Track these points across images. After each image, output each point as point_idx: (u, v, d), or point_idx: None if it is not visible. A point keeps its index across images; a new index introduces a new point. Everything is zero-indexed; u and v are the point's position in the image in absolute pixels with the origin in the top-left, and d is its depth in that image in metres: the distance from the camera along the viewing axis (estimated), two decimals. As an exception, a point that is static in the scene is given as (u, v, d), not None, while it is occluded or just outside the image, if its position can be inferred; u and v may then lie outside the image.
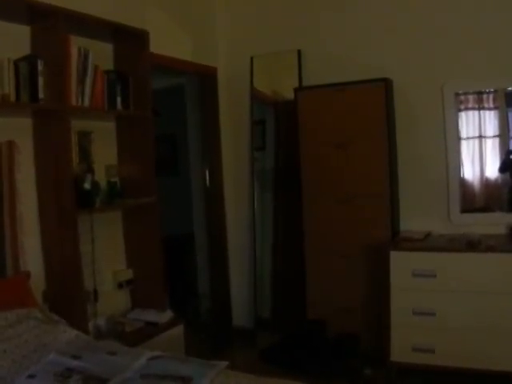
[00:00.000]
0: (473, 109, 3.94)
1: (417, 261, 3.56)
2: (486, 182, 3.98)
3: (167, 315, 3.49)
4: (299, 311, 4.20)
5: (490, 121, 3.90)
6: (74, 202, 2.96)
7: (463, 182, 4.00)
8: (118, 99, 3.34)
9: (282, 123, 4.57)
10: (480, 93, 3.89)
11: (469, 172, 3.99)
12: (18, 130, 2.96)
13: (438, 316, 3.48)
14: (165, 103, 4.81)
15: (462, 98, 3.95)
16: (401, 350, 3.58)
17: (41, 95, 2.82)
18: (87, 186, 3.10)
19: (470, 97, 3.94)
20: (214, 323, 4.72)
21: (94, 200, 3.15)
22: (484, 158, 3.95)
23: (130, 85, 3.42)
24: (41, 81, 2.82)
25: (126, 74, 3.42)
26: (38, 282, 2.98)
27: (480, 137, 3.94)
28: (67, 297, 2.99)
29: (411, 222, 4.06)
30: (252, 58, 4.56)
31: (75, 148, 3.22)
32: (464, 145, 3.97)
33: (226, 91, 4.72)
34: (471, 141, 3.98)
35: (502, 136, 3.87)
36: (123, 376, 2.13)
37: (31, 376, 2.12)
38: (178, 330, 3.48)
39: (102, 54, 3.41)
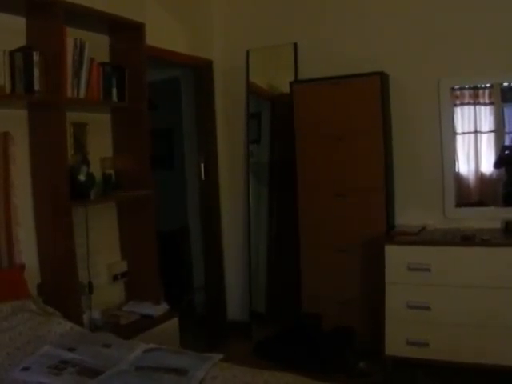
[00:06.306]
0: (468, 104, 3.95)
1: (412, 255, 3.57)
2: (481, 177, 3.99)
3: (162, 308, 3.49)
4: (294, 305, 4.20)
5: (485, 116, 3.91)
6: (68, 194, 2.94)
7: (458, 177, 4.01)
8: (114, 91, 3.32)
9: (277, 117, 4.57)
10: (476, 88, 3.90)
11: (464, 167, 4.00)
12: (13, 122, 2.94)
13: (433, 310, 3.50)
14: (160, 96, 4.80)
15: (458, 92, 3.96)
16: (395, 344, 3.60)
17: (36, 87, 2.80)
18: (82, 177, 3.08)
19: (466, 92, 3.95)
20: (208, 316, 4.73)
21: (89, 192, 3.13)
22: (479, 153, 3.95)
23: (125, 77, 3.40)
24: (36, 72, 2.79)
25: (121, 67, 3.40)
26: (32, 274, 2.97)
27: (475, 132, 3.95)
28: (62, 289, 2.98)
29: (406, 216, 4.07)
30: (248, 52, 4.55)
31: (70, 139, 3.20)
32: (459, 140, 3.98)
33: (221, 84, 4.71)
34: (466, 136, 3.99)
35: (498, 131, 3.88)
36: (118, 368, 2.12)
37: (25, 368, 2.11)
38: (173, 323, 3.47)
39: (98, 46, 3.40)
